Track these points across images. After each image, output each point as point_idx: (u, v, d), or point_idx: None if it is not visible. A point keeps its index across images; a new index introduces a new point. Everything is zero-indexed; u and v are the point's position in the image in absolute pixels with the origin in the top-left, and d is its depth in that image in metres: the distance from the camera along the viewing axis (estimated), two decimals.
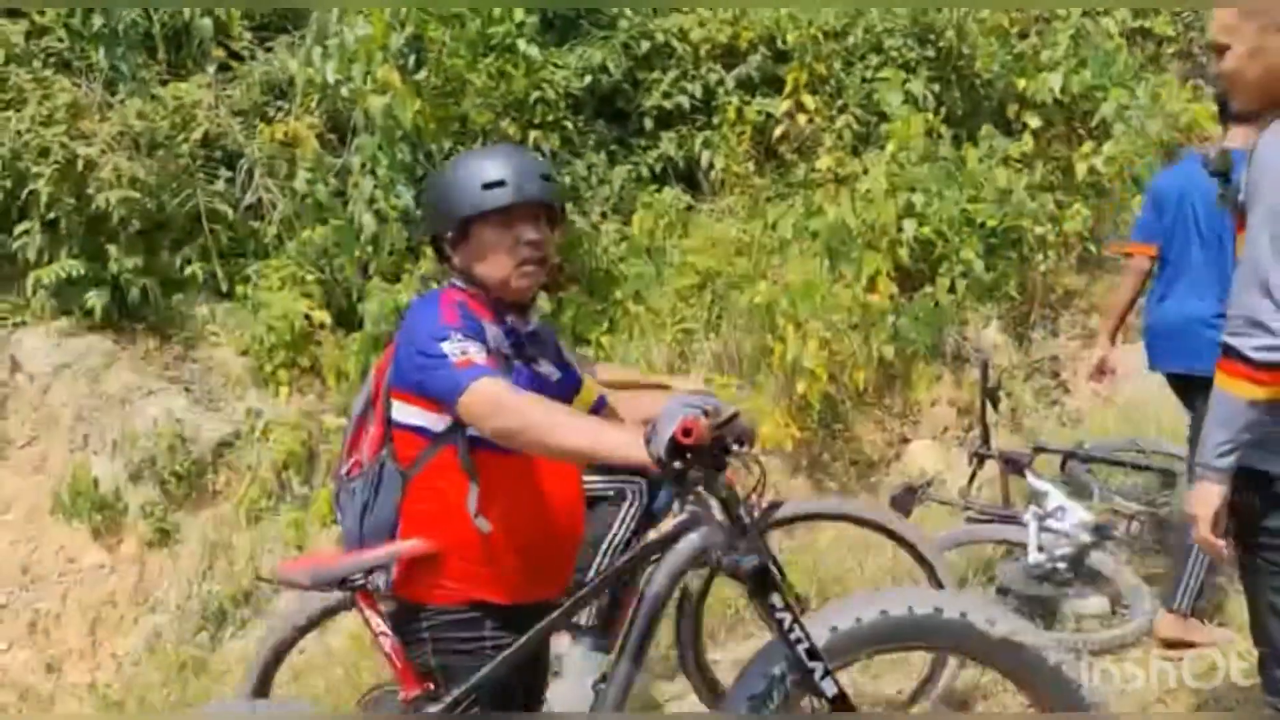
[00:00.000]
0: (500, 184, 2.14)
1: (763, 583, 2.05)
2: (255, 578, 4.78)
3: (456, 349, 2.02)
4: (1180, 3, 7.96)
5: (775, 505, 2.13)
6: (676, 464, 1.87)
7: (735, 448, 1.94)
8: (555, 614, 2.12)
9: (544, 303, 5.18)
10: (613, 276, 5.99)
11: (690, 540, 2.11)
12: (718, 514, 2.08)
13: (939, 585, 3.12)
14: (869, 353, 5.63)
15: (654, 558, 2.14)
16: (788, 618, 2.06)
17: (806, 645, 2.05)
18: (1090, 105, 6.94)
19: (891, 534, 3.27)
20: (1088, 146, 6.68)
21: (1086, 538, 4.01)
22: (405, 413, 2.16)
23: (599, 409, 2.42)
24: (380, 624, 2.22)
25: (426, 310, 2.15)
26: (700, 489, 2.03)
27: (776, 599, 2.06)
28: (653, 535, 2.16)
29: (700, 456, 1.87)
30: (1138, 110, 6.76)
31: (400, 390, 2.16)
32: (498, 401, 1.96)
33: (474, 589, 2.13)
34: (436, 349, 2.03)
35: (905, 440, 5.93)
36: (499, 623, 2.11)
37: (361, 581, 2.19)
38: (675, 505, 2.12)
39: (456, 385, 1.98)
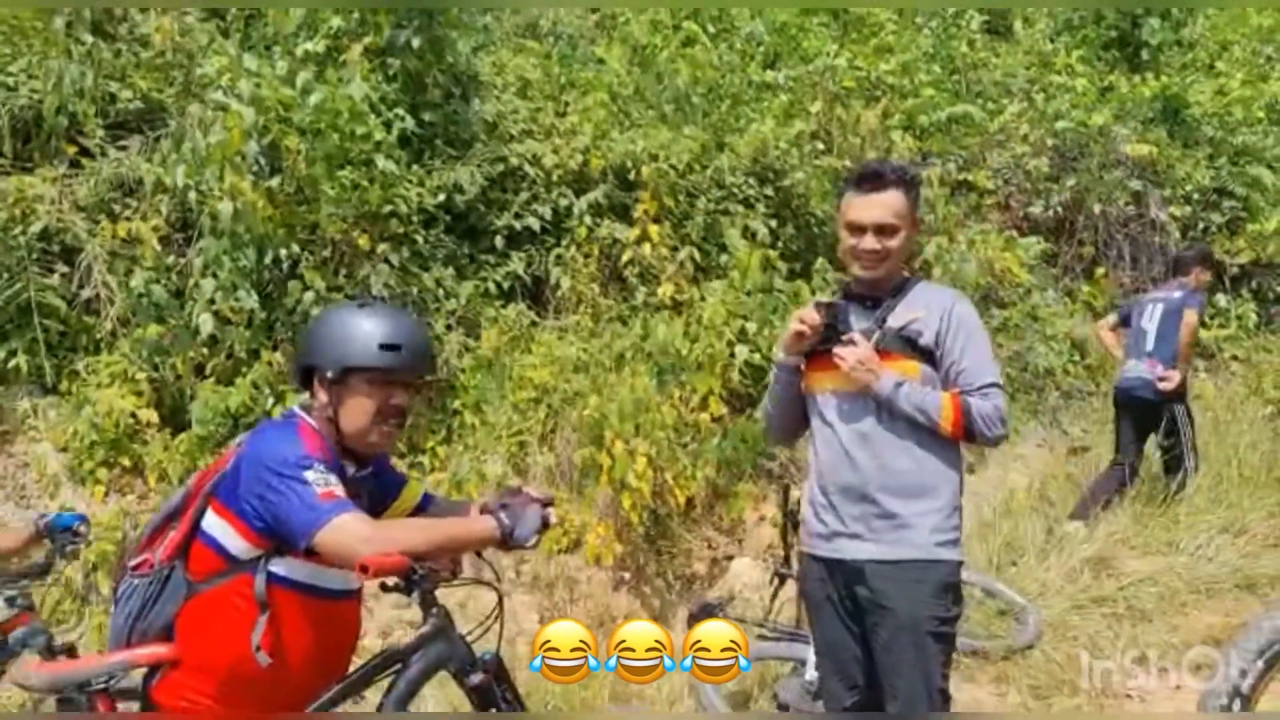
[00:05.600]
0: (396, 349, 2.25)
1: (486, 701, 2.22)
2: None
3: (320, 479, 2.10)
4: None
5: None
6: (417, 578, 2.09)
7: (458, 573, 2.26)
8: None
9: None
10: (453, 387, 6.12)
11: (433, 651, 2.24)
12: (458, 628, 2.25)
13: None
14: (694, 470, 5.87)
15: (395, 667, 2.25)
16: None
17: None
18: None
19: None
20: None
21: None
22: (216, 527, 2.20)
23: (424, 506, 2.55)
24: None
25: (285, 434, 2.20)
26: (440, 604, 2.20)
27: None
28: (393, 645, 2.27)
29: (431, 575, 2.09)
30: (957, 255, 7.32)
31: (224, 505, 2.20)
32: (363, 535, 2.05)
33: (224, 707, 2.20)
34: (298, 474, 2.09)
35: (730, 557, 6.12)
36: None
37: (102, 686, 2.23)
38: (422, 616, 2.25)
39: (318, 517, 2.05)
